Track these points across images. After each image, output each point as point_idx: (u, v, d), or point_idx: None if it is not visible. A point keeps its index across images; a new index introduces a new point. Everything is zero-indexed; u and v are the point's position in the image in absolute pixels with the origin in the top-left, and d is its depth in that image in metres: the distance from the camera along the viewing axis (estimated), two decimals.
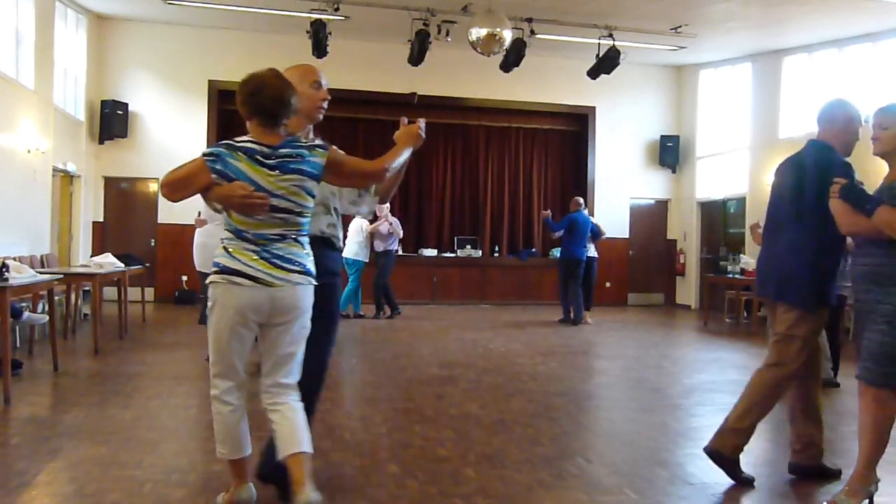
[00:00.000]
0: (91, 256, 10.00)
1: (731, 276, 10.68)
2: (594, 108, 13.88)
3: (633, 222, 14.16)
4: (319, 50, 10.37)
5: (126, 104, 11.78)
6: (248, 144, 2.69)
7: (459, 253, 13.46)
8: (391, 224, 10.36)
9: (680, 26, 11.13)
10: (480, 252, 13.63)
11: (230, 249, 2.72)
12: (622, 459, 3.86)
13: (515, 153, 14.28)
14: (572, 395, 5.53)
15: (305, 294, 2.77)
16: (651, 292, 14.30)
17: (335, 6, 10.09)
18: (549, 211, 11.01)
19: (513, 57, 10.83)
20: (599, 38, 11.22)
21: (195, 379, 5.75)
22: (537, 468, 3.65)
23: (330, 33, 10.29)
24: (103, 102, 11.68)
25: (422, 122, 3.06)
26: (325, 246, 3.03)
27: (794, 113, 11.84)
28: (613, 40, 11.13)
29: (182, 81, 12.11)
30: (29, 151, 9.12)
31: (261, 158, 2.67)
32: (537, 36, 10.79)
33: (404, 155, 2.99)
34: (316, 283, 2.82)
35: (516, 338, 8.79)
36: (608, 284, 13.63)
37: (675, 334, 10.10)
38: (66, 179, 11.19)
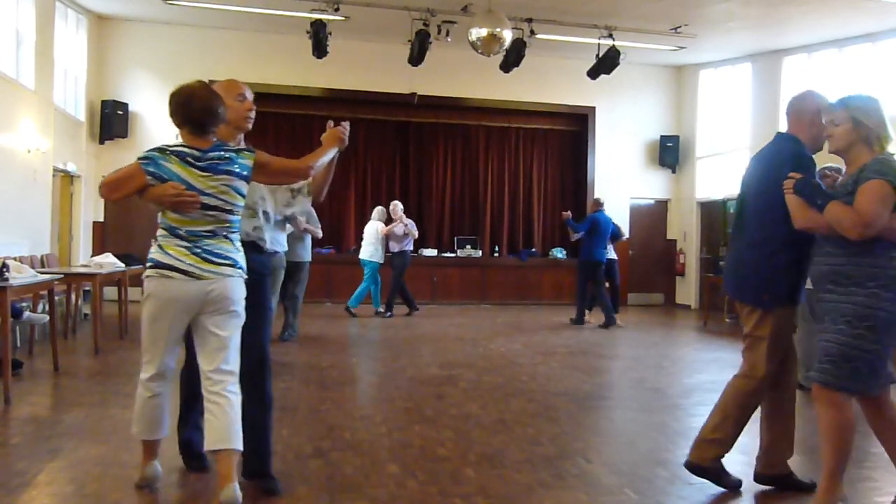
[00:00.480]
0: (91, 256, 10.00)
1: None
2: (594, 108, 13.88)
3: (633, 222, 14.15)
4: (319, 50, 10.37)
5: (126, 104, 11.79)
6: (180, 148, 2.95)
7: (459, 253, 13.47)
8: (406, 225, 10.50)
9: (680, 26, 11.13)
10: (480, 252, 13.63)
11: (163, 245, 2.96)
12: (622, 459, 3.86)
13: (515, 153, 14.28)
14: (572, 395, 5.53)
15: (235, 286, 2.99)
16: (651, 292, 14.30)
17: (335, 6, 10.09)
18: (569, 212, 10.81)
19: (513, 57, 10.83)
20: (599, 38, 11.22)
21: None
22: (537, 468, 3.65)
23: (330, 33, 10.29)
24: (103, 102, 11.69)
25: (345, 125, 3.27)
26: (249, 249, 3.19)
27: None
28: (613, 40, 11.13)
29: (182, 81, 11.96)
30: (29, 151, 9.12)
31: (191, 161, 2.92)
32: (537, 36, 10.79)
33: (327, 155, 3.21)
34: (245, 277, 3.04)
35: (516, 338, 8.80)
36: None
37: (675, 334, 10.10)
38: (66, 179, 11.19)
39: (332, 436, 4.15)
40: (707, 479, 3.36)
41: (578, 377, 6.30)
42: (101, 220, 11.95)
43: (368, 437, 4.18)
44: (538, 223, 14.35)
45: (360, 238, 13.36)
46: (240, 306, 3.01)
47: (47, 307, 6.27)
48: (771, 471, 3.40)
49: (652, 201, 14.38)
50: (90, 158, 11.65)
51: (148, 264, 2.97)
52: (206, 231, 2.95)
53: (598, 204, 10.44)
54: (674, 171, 14.20)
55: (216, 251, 2.95)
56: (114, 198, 3.02)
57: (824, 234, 3.01)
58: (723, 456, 3.35)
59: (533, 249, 14.06)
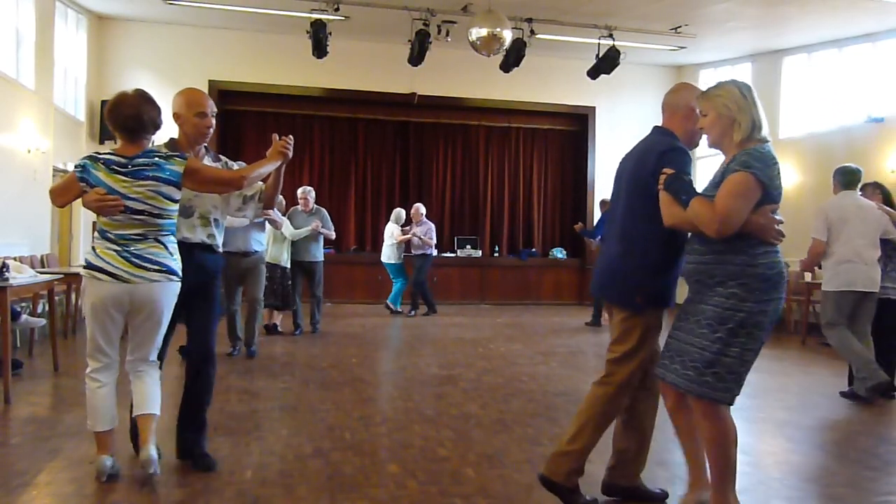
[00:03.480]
0: None
1: None
2: (594, 108, 13.88)
3: None
4: (319, 50, 10.37)
5: None
6: (107, 156, 3.15)
7: (459, 253, 13.46)
8: (419, 237, 10.67)
9: (680, 26, 11.13)
10: (480, 252, 13.63)
11: (96, 248, 3.17)
12: None
13: (515, 153, 14.28)
14: (572, 395, 5.52)
15: (162, 290, 3.18)
16: None
17: (335, 6, 10.09)
18: (581, 224, 11.01)
19: (513, 57, 10.83)
20: (599, 38, 11.22)
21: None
22: (537, 468, 3.63)
23: (330, 33, 10.29)
24: (103, 102, 11.65)
25: (289, 139, 3.40)
26: (203, 250, 3.51)
27: (794, 113, 11.86)
28: (613, 40, 11.13)
29: (182, 81, 11.84)
30: (29, 151, 9.12)
31: (116, 167, 3.11)
32: (537, 36, 10.79)
33: (266, 168, 3.35)
34: (177, 280, 3.24)
35: (516, 338, 8.79)
36: None
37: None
38: None
39: (332, 436, 4.15)
40: (557, 494, 3.06)
41: (578, 377, 6.29)
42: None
43: (368, 437, 4.18)
44: (538, 223, 14.34)
45: (359, 238, 13.42)
46: (164, 309, 3.23)
47: (47, 307, 6.26)
48: (625, 480, 3.21)
49: None
50: None
51: (83, 265, 3.21)
52: (135, 234, 3.13)
53: (607, 205, 10.39)
54: None
55: (146, 255, 3.13)
56: (59, 204, 3.34)
57: (693, 232, 2.83)
58: (578, 472, 3.05)
59: (533, 249, 14.05)
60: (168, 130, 3.47)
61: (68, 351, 6.96)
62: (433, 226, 10.98)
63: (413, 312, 10.83)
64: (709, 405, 2.75)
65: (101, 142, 11.71)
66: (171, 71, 12.08)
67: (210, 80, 12.19)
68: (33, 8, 9.35)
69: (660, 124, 3.23)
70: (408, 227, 10.84)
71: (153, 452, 3.14)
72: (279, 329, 8.40)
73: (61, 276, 6.76)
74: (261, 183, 3.56)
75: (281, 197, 7.07)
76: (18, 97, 8.95)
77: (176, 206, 3.21)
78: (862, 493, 3.46)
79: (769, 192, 2.72)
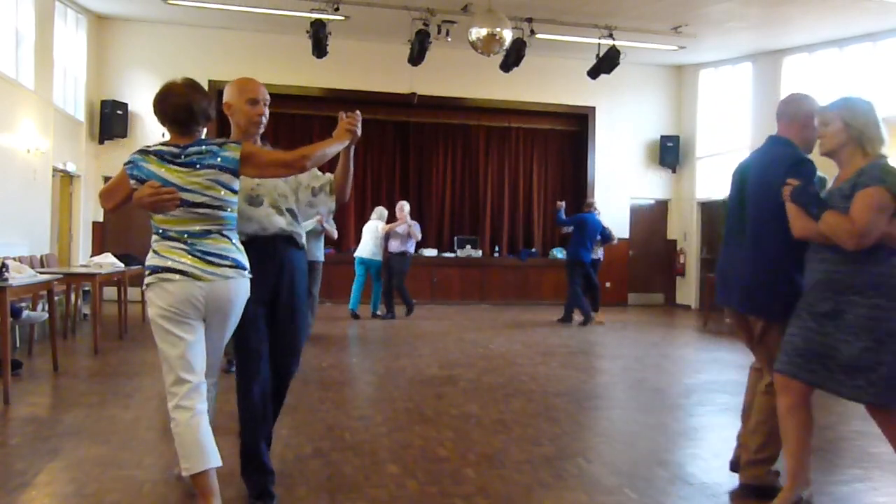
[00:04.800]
0: (91, 256, 10.00)
1: None
2: (594, 108, 13.88)
3: (633, 222, 14.16)
4: (319, 50, 10.37)
5: (126, 104, 11.79)
6: (159, 147, 2.81)
7: (459, 253, 13.46)
8: (409, 226, 10.36)
9: (680, 26, 11.13)
10: (480, 252, 13.63)
11: (158, 250, 2.79)
12: (622, 459, 3.86)
13: (515, 153, 14.28)
14: (572, 395, 5.53)
15: (237, 288, 2.82)
16: (651, 292, 14.30)
17: (335, 6, 10.09)
18: (563, 203, 10.95)
19: (513, 57, 10.83)
20: (599, 38, 11.23)
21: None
22: (537, 468, 3.64)
23: (330, 33, 10.29)
24: (103, 102, 11.69)
25: (356, 115, 3.04)
26: (288, 243, 3.16)
27: None
28: (613, 40, 11.13)
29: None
30: (29, 151, 9.12)
31: (170, 158, 2.77)
32: (537, 36, 10.79)
33: (332, 148, 2.97)
34: (249, 276, 2.88)
35: (516, 338, 8.79)
36: (608, 284, 13.61)
37: (675, 334, 10.09)
38: (66, 179, 11.19)
39: (332, 436, 4.15)
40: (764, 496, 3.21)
41: (578, 377, 6.30)
42: (101, 220, 11.94)
43: (368, 437, 4.18)
44: (538, 223, 14.34)
45: (359, 238, 13.38)
46: (240, 310, 2.89)
47: (47, 307, 6.26)
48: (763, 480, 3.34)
49: (652, 201, 14.38)
50: (90, 158, 11.65)
51: (146, 272, 2.80)
52: (199, 230, 2.77)
53: (589, 206, 10.60)
54: (674, 171, 14.20)
55: (214, 251, 2.78)
56: (109, 207, 2.91)
57: (823, 243, 2.93)
58: (776, 473, 3.32)
59: (533, 249, 14.05)
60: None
61: (68, 351, 6.96)
62: (417, 224, 10.70)
63: (390, 315, 10.38)
64: (878, 410, 2.92)
65: (101, 142, 11.74)
66: (171, 71, 11.91)
67: (210, 80, 12.16)
68: (33, 8, 9.35)
69: (776, 133, 3.35)
70: (392, 225, 10.42)
71: None
72: None
73: (61, 276, 6.76)
74: (329, 174, 3.27)
75: None
76: (18, 97, 8.95)
77: (236, 198, 2.86)
78: (862, 493, 3.46)
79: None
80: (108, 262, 7.80)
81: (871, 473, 3.76)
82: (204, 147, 2.80)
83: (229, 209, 2.84)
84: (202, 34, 12.15)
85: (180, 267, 2.73)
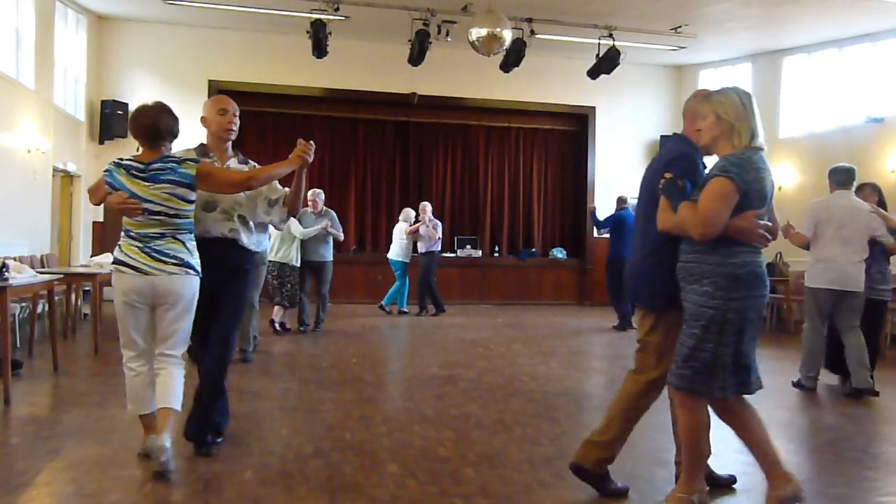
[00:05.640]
0: (91, 256, 10.00)
1: None
2: (594, 108, 13.88)
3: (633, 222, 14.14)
4: (319, 50, 10.37)
5: (126, 104, 11.77)
6: (127, 162, 3.47)
7: (459, 253, 13.47)
8: (428, 227, 10.71)
9: (680, 26, 11.13)
10: (480, 252, 13.64)
11: (121, 246, 3.49)
12: (622, 459, 3.84)
13: (515, 153, 14.28)
14: (572, 395, 5.53)
15: (180, 282, 3.43)
16: None
17: (335, 6, 10.09)
18: (595, 205, 10.70)
19: (513, 57, 10.83)
20: (599, 38, 11.22)
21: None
22: (537, 468, 3.65)
23: (330, 33, 10.29)
24: (103, 102, 11.68)
25: (311, 145, 3.59)
26: (227, 245, 3.71)
27: (794, 113, 11.86)
28: (613, 40, 11.13)
29: (182, 81, 12.09)
30: (29, 151, 9.12)
31: (135, 172, 3.42)
32: (537, 36, 10.79)
33: (278, 171, 3.60)
34: (195, 275, 3.47)
35: (516, 338, 8.79)
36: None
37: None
38: (66, 179, 11.19)
39: (332, 436, 4.15)
40: (587, 481, 3.24)
41: (578, 377, 6.30)
42: (101, 220, 11.92)
43: (368, 437, 4.18)
44: (538, 223, 14.34)
45: (360, 238, 13.42)
46: (185, 300, 3.45)
47: (47, 307, 6.26)
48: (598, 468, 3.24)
49: None
50: (90, 158, 11.65)
51: (111, 261, 3.55)
52: (154, 233, 3.42)
53: (623, 202, 10.16)
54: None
55: (164, 251, 3.41)
56: (93, 202, 3.69)
57: (682, 235, 2.94)
58: (608, 460, 3.22)
59: (533, 249, 14.05)
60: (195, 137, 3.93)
61: (68, 351, 6.96)
62: (439, 223, 11.02)
63: (423, 312, 10.83)
64: (684, 396, 2.92)
65: (101, 142, 11.73)
66: (171, 71, 12.10)
67: (210, 80, 12.20)
68: (33, 8, 9.35)
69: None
70: (415, 226, 10.89)
71: (167, 443, 3.27)
72: (287, 327, 8.47)
73: (61, 276, 6.76)
74: (286, 189, 3.79)
75: None
76: (18, 97, 8.96)
77: (191, 207, 3.47)
78: (862, 493, 3.46)
79: (748, 197, 2.82)
80: (109, 262, 7.77)
81: (871, 473, 3.76)
82: (167, 164, 3.42)
83: (184, 216, 3.46)
84: (202, 34, 12.14)
85: (132, 263, 3.42)
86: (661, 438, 4.37)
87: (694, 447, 2.94)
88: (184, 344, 3.56)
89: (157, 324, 3.50)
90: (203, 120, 3.79)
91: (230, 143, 3.83)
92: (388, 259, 11.00)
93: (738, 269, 2.83)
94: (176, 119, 3.52)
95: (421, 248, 10.79)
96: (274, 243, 8.01)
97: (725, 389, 2.89)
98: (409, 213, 11.08)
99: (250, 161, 3.91)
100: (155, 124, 3.45)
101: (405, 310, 10.99)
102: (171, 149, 3.59)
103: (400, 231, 10.88)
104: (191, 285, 3.46)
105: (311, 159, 3.56)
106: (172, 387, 3.44)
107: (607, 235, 10.31)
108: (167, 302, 3.44)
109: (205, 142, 3.84)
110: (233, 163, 3.80)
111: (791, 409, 5.22)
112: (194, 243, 3.52)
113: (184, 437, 3.68)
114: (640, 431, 4.53)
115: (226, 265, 3.68)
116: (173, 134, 3.51)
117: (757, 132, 2.89)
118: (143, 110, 3.49)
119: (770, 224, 2.91)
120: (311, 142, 3.59)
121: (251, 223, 3.82)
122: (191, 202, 3.46)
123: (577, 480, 3.40)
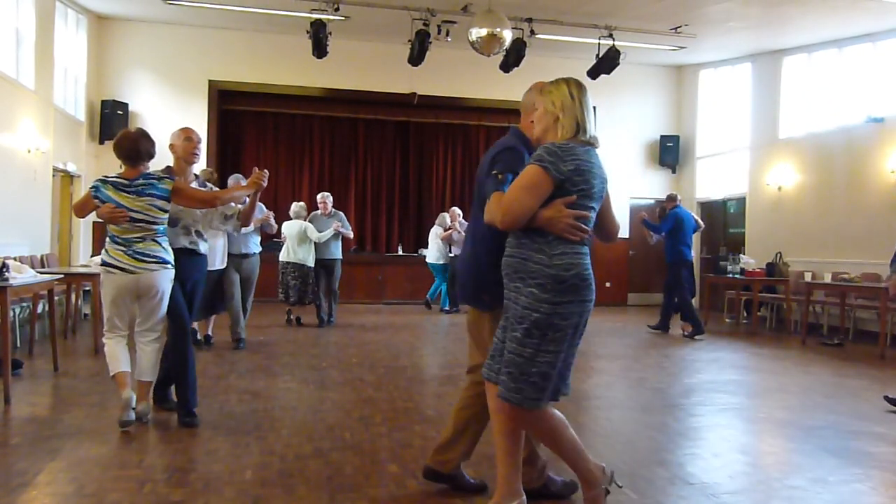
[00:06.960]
0: (91, 256, 10.00)
1: (731, 276, 10.67)
2: (594, 108, 13.82)
3: (634, 222, 14.14)
4: (319, 50, 10.37)
5: (126, 104, 11.78)
6: (114, 179, 4.18)
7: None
8: (461, 232, 11.06)
9: (680, 26, 11.13)
10: None
11: (108, 249, 4.19)
12: (622, 459, 3.86)
13: None
14: (572, 395, 5.50)
15: (160, 276, 4.17)
16: (651, 292, 14.28)
17: (335, 6, 10.09)
18: (644, 213, 10.23)
19: (513, 57, 10.83)
20: (599, 38, 11.22)
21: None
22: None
23: (330, 33, 10.29)
24: (103, 102, 11.68)
25: (265, 173, 4.31)
26: (186, 254, 4.44)
27: (794, 113, 11.86)
28: (613, 40, 11.12)
29: (182, 81, 12.11)
30: (29, 151, 9.12)
31: (122, 187, 4.14)
32: (537, 36, 10.79)
33: (238, 194, 4.45)
34: (171, 268, 4.20)
35: None
36: (608, 284, 13.65)
37: (675, 334, 10.09)
38: (66, 179, 11.18)
39: (332, 436, 4.15)
40: (444, 483, 3.25)
41: (578, 377, 6.29)
42: (101, 220, 11.93)
43: (368, 437, 4.18)
44: None
45: (359, 238, 13.47)
46: (163, 290, 4.20)
47: (47, 307, 6.26)
48: (445, 468, 3.24)
49: (652, 201, 14.33)
50: (90, 158, 11.65)
51: (100, 263, 4.24)
52: (136, 237, 4.13)
53: (675, 199, 9.70)
54: (674, 171, 14.20)
55: (145, 252, 4.13)
56: (80, 216, 4.40)
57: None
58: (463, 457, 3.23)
59: None
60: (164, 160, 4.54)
61: (68, 351, 6.96)
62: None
63: (456, 309, 11.23)
64: (510, 407, 2.75)
65: (101, 142, 11.72)
66: (171, 71, 12.10)
67: (210, 80, 12.21)
68: (33, 8, 9.35)
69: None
70: (448, 232, 11.31)
71: (142, 407, 4.22)
72: (301, 322, 9.28)
73: (61, 276, 6.75)
74: (239, 206, 4.59)
75: (303, 204, 9.32)
76: (18, 97, 8.95)
77: (166, 215, 4.21)
78: (862, 493, 3.46)
79: (564, 189, 2.70)
80: None
81: (872, 473, 3.76)
82: (149, 181, 4.15)
83: (160, 223, 4.20)
84: (202, 34, 12.15)
85: (119, 264, 4.12)
86: (661, 438, 4.38)
87: (556, 448, 2.90)
88: (160, 323, 4.30)
89: (139, 310, 4.24)
90: (171, 147, 4.51)
91: (193, 167, 4.58)
92: (427, 263, 11.63)
93: (563, 272, 2.65)
94: (153, 143, 4.25)
95: (454, 251, 11.20)
96: (292, 247, 8.89)
97: (536, 400, 2.75)
98: (445, 217, 11.56)
99: (208, 184, 4.73)
100: (136, 148, 4.18)
101: (446, 309, 11.40)
102: (149, 167, 4.26)
103: (435, 235, 11.45)
104: (168, 277, 4.22)
105: (265, 184, 4.29)
106: (152, 361, 4.28)
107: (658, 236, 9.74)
108: (149, 293, 4.18)
109: (170, 165, 4.55)
110: (194, 184, 4.52)
111: (790, 409, 5.22)
112: (168, 241, 4.26)
113: (156, 402, 4.55)
114: (641, 431, 4.55)
115: (184, 271, 4.38)
116: (150, 155, 4.24)
117: (585, 126, 2.81)
118: (127, 135, 4.24)
119: (584, 215, 2.75)
120: (266, 170, 4.31)
121: (204, 235, 4.61)
122: (166, 212, 4.21)
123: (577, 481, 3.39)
